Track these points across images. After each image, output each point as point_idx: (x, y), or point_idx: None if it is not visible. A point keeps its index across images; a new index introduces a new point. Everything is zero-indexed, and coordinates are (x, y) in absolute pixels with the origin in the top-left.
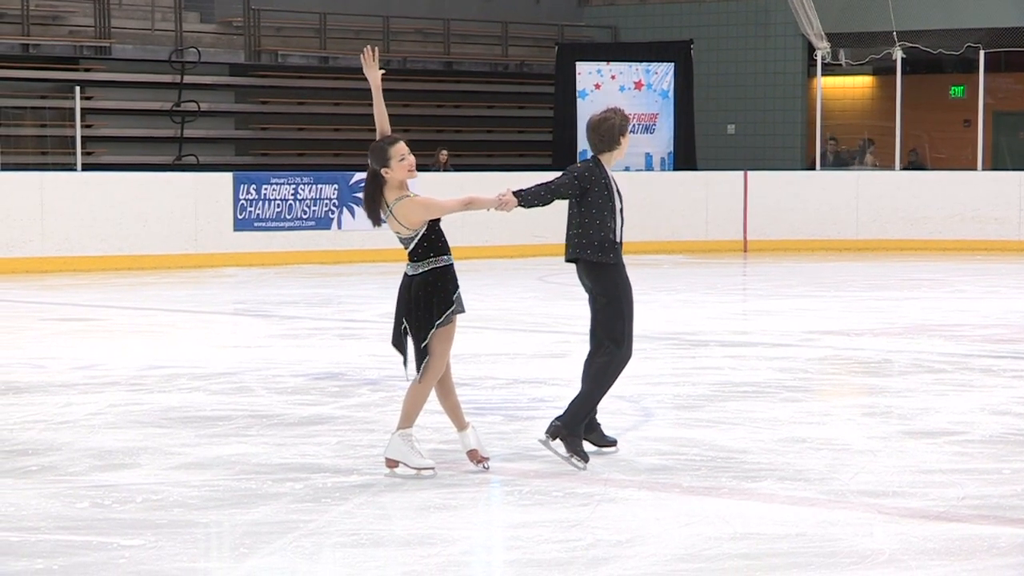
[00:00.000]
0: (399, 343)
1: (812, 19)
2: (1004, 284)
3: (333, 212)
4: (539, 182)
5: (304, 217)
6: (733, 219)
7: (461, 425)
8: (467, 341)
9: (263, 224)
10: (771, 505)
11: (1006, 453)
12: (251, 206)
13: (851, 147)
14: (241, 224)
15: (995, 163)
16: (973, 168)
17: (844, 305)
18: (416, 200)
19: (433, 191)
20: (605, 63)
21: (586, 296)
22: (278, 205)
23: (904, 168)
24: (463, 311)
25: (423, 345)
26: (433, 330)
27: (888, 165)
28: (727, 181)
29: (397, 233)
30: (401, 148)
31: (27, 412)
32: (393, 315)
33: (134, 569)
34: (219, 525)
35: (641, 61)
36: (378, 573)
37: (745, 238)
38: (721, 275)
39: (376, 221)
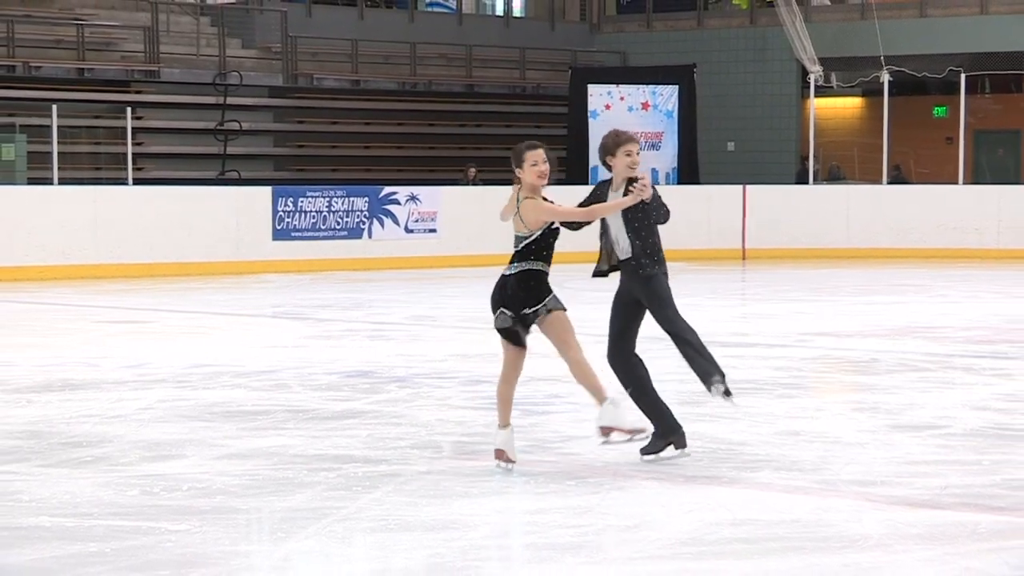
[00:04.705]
0: (507, 328)
1: (806, 45)
2: (984, 289)
3: (364, 223)
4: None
5: (337, 228)
6: (733, 229)
7: (505, 422)
8: (484, 340)
9: (299, 234)
10: (768, 493)
11: (986, 446)
12: (288, 217)
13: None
14: (279, 234)
15: (976, 178)
16: (955, 182)
17: (836, 309)
18: (535, 203)
19: (461, 205)
20: (615, 85)
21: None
22: (313, 216)
23: (889, 183)
24: (562, 307)
25: (530, 322)
26: (540, 309)
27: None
28: (727, 194)
29: (517, 232)
30: (536, 155)
31: (82, 407)
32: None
33: (180, 552)
34: (259, 511)
35: (648, 83)
36: (405, 556)
37: (744, 247)
38: (722, 281)
39: (509, 214)
